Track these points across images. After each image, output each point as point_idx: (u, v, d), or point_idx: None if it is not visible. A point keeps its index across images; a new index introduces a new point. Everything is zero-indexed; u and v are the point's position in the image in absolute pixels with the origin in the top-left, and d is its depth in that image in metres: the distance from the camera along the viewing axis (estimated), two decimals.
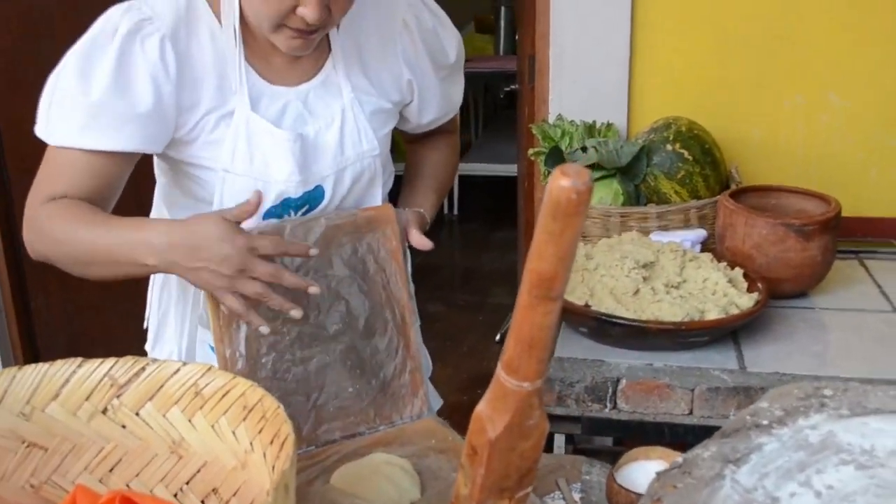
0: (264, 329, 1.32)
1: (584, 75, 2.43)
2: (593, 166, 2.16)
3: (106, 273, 1.38)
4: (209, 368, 1.08)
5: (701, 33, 2.38)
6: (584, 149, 2.21)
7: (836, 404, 0.96)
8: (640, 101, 2.44)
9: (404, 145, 1.77)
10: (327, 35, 1.46)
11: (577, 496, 1.26)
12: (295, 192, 1.44)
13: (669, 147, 2.14)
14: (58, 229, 1.35)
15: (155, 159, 1.54)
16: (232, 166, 1.41)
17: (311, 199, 1.47)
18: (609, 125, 2.36)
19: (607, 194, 2.14)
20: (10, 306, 3.14)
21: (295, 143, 1.42)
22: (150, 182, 1.60)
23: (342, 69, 1.47)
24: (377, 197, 1.56)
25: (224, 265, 1.25)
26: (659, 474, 0.88)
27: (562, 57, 2.43)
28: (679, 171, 2.12)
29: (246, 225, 1.38)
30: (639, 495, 0.89)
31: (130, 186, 1.47)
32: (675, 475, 0.87)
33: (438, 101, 1.61)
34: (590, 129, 2.33)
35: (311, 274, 1.40)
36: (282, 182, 1.42)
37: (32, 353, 3.20)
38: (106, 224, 1.34)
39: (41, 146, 1.43)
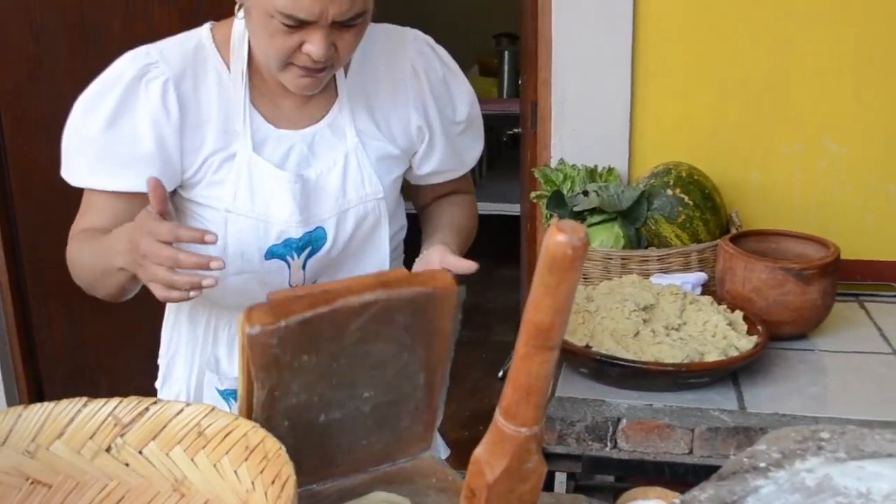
0: (192, 293, 1.25)
1: (586, 121, 2.44)
2: (594, 210, 2.17)
3: (107, 287, 1.41)
4: (212, 409, 1.09)
5: (700, 81, 2.39)
6: (585, 192, 2.22)
7: (833, 447, 0.96)
8: (641, 147, 2.44)
9: (419, 213, 1.72)
10: (335, 79, 1.47)
11: None
12: (296, 232, 1.45)
13: (670, 192, 2.15)
14: (73, 256, 1.43)
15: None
16: (234, 206, 1.42)
17: (313, 239, 1.48)
18: (610, 170, 2.37)
19: (608, 238, 2.14)
20: (15, 338, 3.15)
21: (295, 185, 1.43)
22: None
23: (348, 113, 1.48)
24: (383, 242, 1.55)
25: (136, 251, 1.23)
26: None
27: (563, 103, 2.45)
28: (680, 215, 2.13)
29: (244, 276, 1.46)
30: None
31: None
32: None
33: (443, 154, 1.58)
34: (591, 174, 2.34)
35: (356, 348, 1.23)
36: (283, 222, 1.43)
37: (36, 384, 3.21)
38: (96, 240, 1.38)
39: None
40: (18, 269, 3.11)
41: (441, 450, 1.65)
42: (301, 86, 1.37)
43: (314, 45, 1.28)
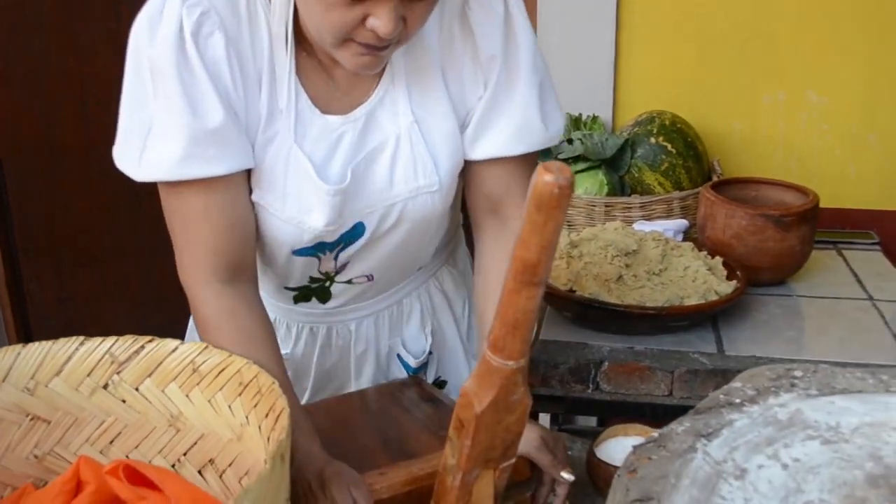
0: None
1: (571, 70, 2.41)
2: (579, 158, 2.18)
3: None
4: (206, 347, 1.10)
5: (684, 30, 2.38)
6: (570, 141, 2.22)
7: (806, 384, 0.97)
8: (625, 96, 2.44)
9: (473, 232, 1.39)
10: None
11: None
12: (330, 237, 1.25)
13: (653, 140, 2.16)
14: (220, 342, 1.14)
15: None
16: (263, 200, 1.21)
17: (349, 237, 1.27)
18: (594, 118, 2.37)
19: (592, 185, 2.15)
20: (5, 292, 3.14)
21: (335, 198, 1.20)
22: None
23: (403, 89, 1.22)
24: (431, 241, 1.38)
25: (325, 492, 1.05)
26: (635, 447, 0.89)
27: (548, 53, 2.40)
28: (662, 163, 2.14)
29: (267, 271, 1.32)
30: (616, 468, 0.92)
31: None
32: (651, 448, 0.88)
33: (516, 115, 1.24)
34: (576, 122, 2.34)
35: None
36: (315, 230, 1.22)
37: (26, 338, 3.20)
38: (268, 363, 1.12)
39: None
40: (7, 225, 3.10)
41: None
42: (360, 64, 1.11)
43: (381, 20, 1.02)
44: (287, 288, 1.38)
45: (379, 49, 1.08)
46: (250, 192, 1.21)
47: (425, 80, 1.22)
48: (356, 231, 1.26)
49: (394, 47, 1.11)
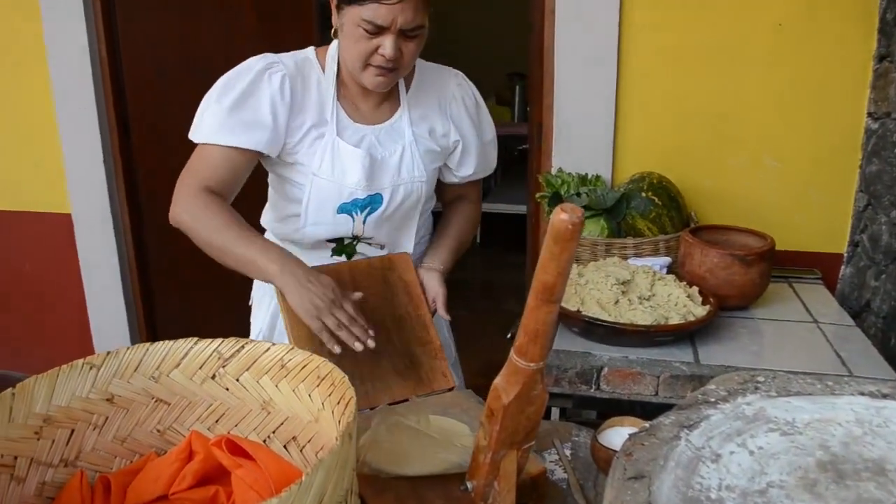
0: (336, 349, 1.34)
1: (579, 138, 2.44)
2: (585, 207, 2.17)
3: (230, 264, 1.41)
4: (292, 348, 1.11)
5: (668, 109, 2.38)
6: (578, 194, 2.22)
7: (767, 388, 0.97)
8: (622, 159, 2.44)
9: (442, 206, 1.79)
10: (399, 93, 1.57)
11: (567, 452, 1.27)
12: (361, 194, 1.53)
13: (644, 194, 2.14)
14: (207, 221, 1.40)
15: (269, 177, 1.61)
16: (319, 171, 1.50)
17: (373, 201, 1.55)
18: (598, 177, 2.36)
19: (595, 229, 2.14)
20: (139, 301, 3.19)
21: (365, 159, 1.50)
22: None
23: (407, 119, 1.57)
24: (416, 215, 1.63)
25: (325, 296, 1.33)
26: (631, 435, 0.89)
27: (562, 125, 2.45)
28: (651, 212, 2.13)
29: (319, 227, 1.55)
30: (615, 452, 0.90)
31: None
32: (643, 436, 0.87)
33: (476, 160, 1.67)
34: (583, 179, 2.34)
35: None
36: (352, 185, 1.51)
37: (153, 337, 3.24)
38: (244, 237, 1.38)
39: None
40: (143, 251, 3.15)
41: (457, 381, 1.69)
42: (376, 83, 1.44)
43: (386, 48, 1.37)
44: (328, 240, 1.61)
45: (388, 70, 1.41)
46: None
47: (421, 122, 1.58)
48: (377, 198, 1.55)
49: (396, 72, 1.43)
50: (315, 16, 2.91)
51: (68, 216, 3.10)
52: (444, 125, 1.61)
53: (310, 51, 1.54)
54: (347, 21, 1.39)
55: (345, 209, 1.54)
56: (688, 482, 0.78)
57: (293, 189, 1.55)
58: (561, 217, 0.74)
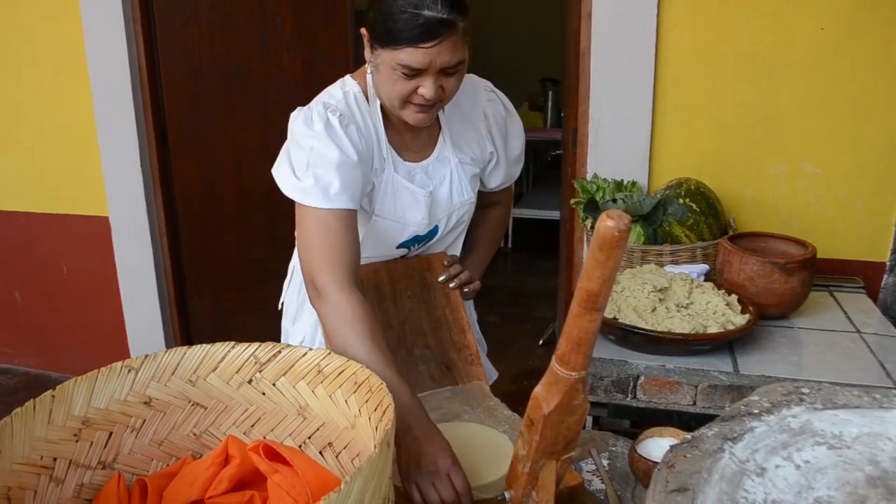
0: None
1: (616, 145, 2.42)
2: None
3: None
4: (328, 353, 1.10)
5: (706, 114, 2.35)
6: (614, 200, 2.20)
7: (812, 399, 0.95)
8: (659, 165, 2.42)
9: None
10: (439, 121, 1.51)
11: (605, 462, 1.26)
12: (423, 231, 1.53)
13: (681, 201, 2.12)
14: (344, 332, 1.23)
15: None
16: (381, 211, 1.46)
17: (430, 234, 1.56)
18: (634, 183, 2.35)
19: (632, 236, 2.12)
20: (174, 306, 3.23)
21: (427, 199, 1.49)
22: None
23: (449, 144, 1.52)
24: (463, 229, 1.65)
25: (431, 469, 1.10)
26: (672, 447, 0.88)
27: (598, 130, 2.43)
28: (689, 219, 2.10)
29: (373, 259, 1.53)
30: (655, 463, 0.89)
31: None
32: (685, 448, 0.86)
33: (504, 171, 1.64)
34: (618, 185, 2.32)
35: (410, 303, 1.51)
36: (415, 225, 1.50)
37: (188, 341, 3.27)
38: (381, 364, 1.18)
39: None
40: (178, 256, 3.19)
41: (490, 373, 1.71)
42: (417, 119, 1.36)
43: (426, 88, 1.30)
44: None
45: (428, 107, 1.34)
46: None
47: (461, 144, 1.54)
48: (434, 231, 1.56)
49: (438, 106, 1.37)
50: (350, 23, 2.92)
51: (106, 219, 3.15)
52: (481, 140, 1.57)
53: (354, 86, 1.44)
54: (383, 63, 1.31)
55: (404, 245, 1.54)
56: (733, 496, 0.77)
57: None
58: (607, 223, 0.73)
